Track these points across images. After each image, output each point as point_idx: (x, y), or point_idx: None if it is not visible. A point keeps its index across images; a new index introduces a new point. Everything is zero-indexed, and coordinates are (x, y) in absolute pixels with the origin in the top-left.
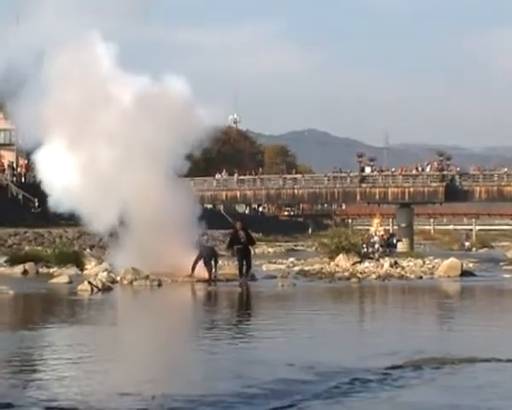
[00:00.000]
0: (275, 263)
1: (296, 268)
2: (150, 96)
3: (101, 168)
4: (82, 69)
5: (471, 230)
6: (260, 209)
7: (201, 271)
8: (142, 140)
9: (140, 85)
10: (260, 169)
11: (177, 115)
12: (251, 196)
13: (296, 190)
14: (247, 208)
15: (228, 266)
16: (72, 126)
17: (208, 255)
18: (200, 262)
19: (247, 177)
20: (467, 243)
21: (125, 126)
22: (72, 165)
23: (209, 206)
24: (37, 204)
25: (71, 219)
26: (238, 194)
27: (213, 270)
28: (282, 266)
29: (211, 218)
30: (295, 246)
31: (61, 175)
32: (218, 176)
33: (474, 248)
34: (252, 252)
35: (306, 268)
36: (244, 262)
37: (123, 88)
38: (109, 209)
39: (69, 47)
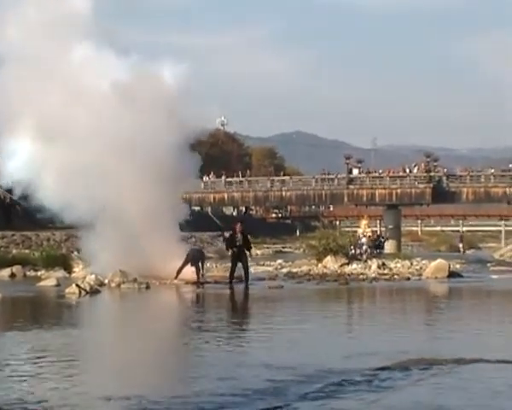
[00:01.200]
0: (263, 265)
1: (284, 270)
2: (134, 84)
3: (81, 163)
4: (54, 60)
5: (458, 231)
6: (247, 211)
7: (189, 273)
8: (124, 132)
9: (123, 72)
10: (248, 171)
11: (167, 107)
12: (238, 198)
13: (284, 192)
14: (235, 210)
15: (216, 268)
16: (47, 120)
17: (195, 258)
18: (189, 265)
19: (235, 179)
20: (461, 245)
21: (105, 118)
22: (50, 161)
23: (197, 208)
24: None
25: (57, 222)
26: (226, 196)
27: (201, 272)
28: (270, 269)
29: (198, 220)
30: (283, 248)
31: (43, 172)
32: (205, 178)
33: (467, 251)
34: (247, 256)
35: (294, 270)
36: (240, 266)
37: (101, 74)
38: (89, 205)
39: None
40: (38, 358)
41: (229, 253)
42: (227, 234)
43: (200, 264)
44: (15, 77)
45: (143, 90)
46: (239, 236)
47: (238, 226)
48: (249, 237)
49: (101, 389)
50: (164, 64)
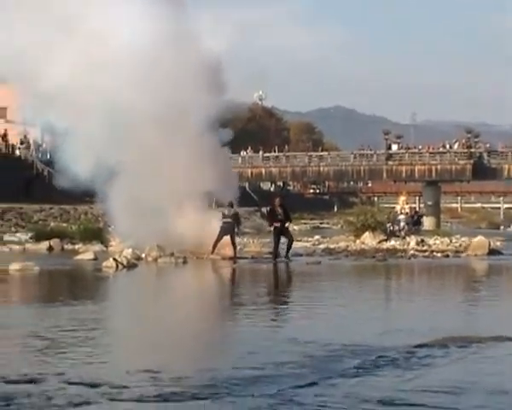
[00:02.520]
0: (300, 241)
1: (322, 246)
2: (171, 55)
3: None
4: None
5: (499, 208)
6: (284, 186)
7: (226, 248)
8: (160, 104)
9: (160, 41)
10: (286, 146)
11: (204, 80)
12: (276, 173)
13: (322, 168)
14: (273, 186)
15: (253, 243)
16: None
17: (230, 231)
18: (225, 239)
19: (273, 154)
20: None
21: (140, 88)
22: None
23: None
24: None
25: (95, 196)
26: (263, 171)
27: (238, 238)
28: (308, 244)
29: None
30: (321, 224)
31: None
32: (243, 153)
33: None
34: (289, 228)
35: (332, 246)
36: (283, 240)
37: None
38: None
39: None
40: (72, 329)
41: (272, 228)
42: (264, 209)
43: (236, 231)
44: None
45: (180, 62)
46: (279, 210)
47: (277, 200)
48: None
49: (131, 362)
50: (202, 36)
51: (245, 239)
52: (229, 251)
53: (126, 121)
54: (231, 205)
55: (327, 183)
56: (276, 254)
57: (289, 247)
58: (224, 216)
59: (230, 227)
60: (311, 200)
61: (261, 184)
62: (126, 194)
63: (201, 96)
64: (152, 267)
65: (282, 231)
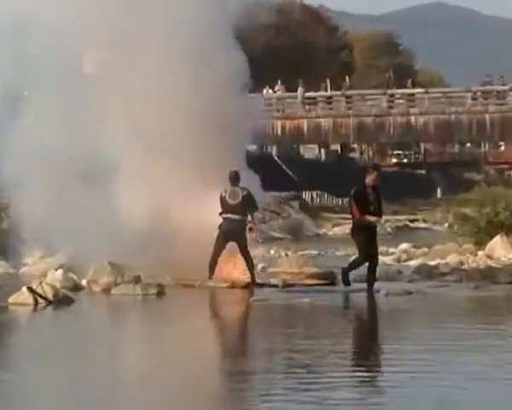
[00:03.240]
0: None
1: (413, 262)
2: None
3: None
4: None
5: None
6: (343, 152)
7: (232, 265)
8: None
9: None
10: (347, 79)
11: None
12: (328, 128)
13: (414, 118)
14: (321, 152)
15: (286, 258)
16: None
17: (238, 234)
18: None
19: (322, 93)
20: None
21: None
22: None
23: (251, 147)
24: None
25: None
26: (305, 124)
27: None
28: (387, 259)
29: (255, 168)
30: (411, 221)
31: None
32: (267, 91)
33: None
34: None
35: (432, 263)
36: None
37: None
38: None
39: None
40: None
41: (353, 226)
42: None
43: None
44: None
45: None
46: (371, 194)
47: (371, 177)
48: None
49: None
50: None
51: (271, 250)
52: (237, 272)
53: None
54: (236, 180)
55: (423, 146)
56: (347, 275)
57: (374, 269)
58: (225, 204)
59: (238, 227)
60: (394, 177)
61: (301, 149)
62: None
63: None
64: (99, 304)
65: (372, 237)
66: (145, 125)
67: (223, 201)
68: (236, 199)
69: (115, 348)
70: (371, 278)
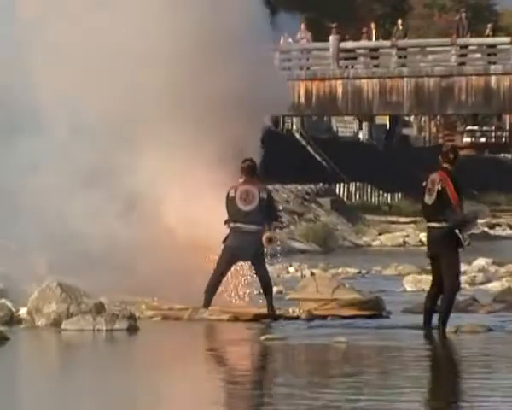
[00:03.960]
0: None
1: (494, 285)
2: None
3: None
4: None
5: None
6: (393, 128)
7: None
8: None
9: None
10: (399, 23)
11: None
12: (373, 93)
13: (495, 80)
14: (364, 128)
15: (312, 278)
16: None
17: (251, 251)
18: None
19: (363, 44)
20: None
21: None
22: None
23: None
24: None
25: None
26: (339, 88)
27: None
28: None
29: (271, 151)
30: (492, 227)
31: None
32: (285, 41)
33: None
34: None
35: None
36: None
37: None
38: None
39: None
40: None
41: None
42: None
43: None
44: None
45: None
46: (433, 193)
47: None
48: None
49: None
50: None
51: (291, 267)
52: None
53: None
54: (251, 172)
55: (508, 120)
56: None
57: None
58: (234, 209)
59: (252, 242)
60: (467, 164)
61: (334, 123)
62: None
63: None
64: (44, 344)
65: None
66: None
67: (231, 204)
68: (252, 203)
69: None
70: (444, 308)
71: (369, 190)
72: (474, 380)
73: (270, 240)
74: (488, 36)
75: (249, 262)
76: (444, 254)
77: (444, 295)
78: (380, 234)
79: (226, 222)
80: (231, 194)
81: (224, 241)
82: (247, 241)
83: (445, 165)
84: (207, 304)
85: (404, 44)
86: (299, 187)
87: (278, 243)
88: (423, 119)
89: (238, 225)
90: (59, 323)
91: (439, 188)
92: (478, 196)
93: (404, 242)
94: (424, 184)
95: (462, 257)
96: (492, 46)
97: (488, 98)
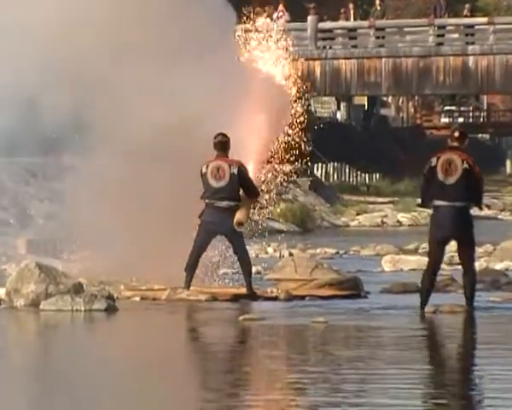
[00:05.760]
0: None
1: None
2: None
3: None
4: None
5: None
6: (370, 111)
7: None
8: None
9: None
10: (377, 3)
11: None
12: (351, 73)
13: (473, 60)
14: (342, 108)
15: (291, 258)
16: None
17: (226, 227)
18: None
19: (341, 24)
20: None
21: None
22: None
23: None
24: None
25: None
26: (317, 68)
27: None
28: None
29: None
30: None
31: None
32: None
33: None
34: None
35: (498, 266)
36: None
37: None
38: None
39: None
40: None
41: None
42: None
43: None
44: None
45: None
46: (453, 173)
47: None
48: None
49: None
50: None
51: (269, 248)
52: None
53: None
54: (223, 148)
55: (485, 100)
56: (427, 296)
57: (471, 293)
58: (207, 186)
59: (226, 218)
60: (444, 144)
61: (312, 103)
62: None
63: None
64: (23, 325)
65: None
66: None
67: (203, 180)
68: (222, 179)
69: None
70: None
71: (347, 171)
72: (453, 360)
73: (240, 224)
74: (466, 16)
75: (227, 239)
76: (465, 235)
77: (469, 278)
78: (358, 214)
79: (202, 197)
80: (203, 170)
81: (200, 216)
82: (220, 217)
83: (456, 143)
84: (188, 285)
85: (382, 25)
86: (277, 167)
87: (252, 224)
88: (401, 99)
89: (211, 200)
90: (37, 303)
91: (466, 166)
92: None
93: (383, 222)
94: (433, 164)
95: None
96: (470, 26)
97: (466, 78)
